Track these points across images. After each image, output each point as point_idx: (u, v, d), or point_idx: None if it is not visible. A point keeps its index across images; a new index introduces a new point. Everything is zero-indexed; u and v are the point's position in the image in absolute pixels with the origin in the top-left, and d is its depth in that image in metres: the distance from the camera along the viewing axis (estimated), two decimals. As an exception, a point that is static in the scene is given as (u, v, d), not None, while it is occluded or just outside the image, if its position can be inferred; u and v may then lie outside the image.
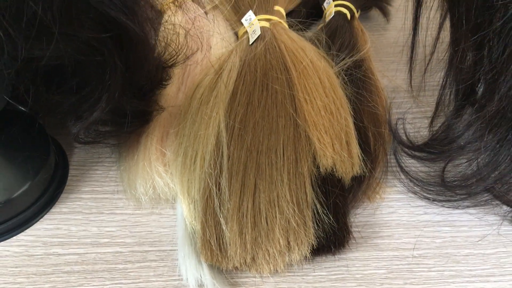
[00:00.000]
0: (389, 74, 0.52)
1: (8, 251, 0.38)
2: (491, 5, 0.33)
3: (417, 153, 0.43)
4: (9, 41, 0.28)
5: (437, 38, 0.45)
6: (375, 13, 0.59)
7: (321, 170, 0.38)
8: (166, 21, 0.51)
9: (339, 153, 0.39)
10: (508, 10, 0.32)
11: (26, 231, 0.39)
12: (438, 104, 0.45)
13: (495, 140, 0.36)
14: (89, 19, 0.31)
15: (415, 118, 0.48)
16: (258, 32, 0.47)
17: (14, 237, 0.39)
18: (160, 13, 0.54)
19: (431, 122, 0.46)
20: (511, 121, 0.34)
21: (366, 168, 0.41)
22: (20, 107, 0.42)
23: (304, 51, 0.46)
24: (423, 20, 0.46)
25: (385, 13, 0.58)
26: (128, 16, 0.33)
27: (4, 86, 0.34)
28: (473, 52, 0.38)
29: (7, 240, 0.39)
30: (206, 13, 0.55)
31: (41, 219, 0.40)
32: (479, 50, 0.37)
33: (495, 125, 0.36)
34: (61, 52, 0.30)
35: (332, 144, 0.39)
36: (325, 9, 0.55)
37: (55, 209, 0.41)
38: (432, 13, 0.45)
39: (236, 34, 0.52)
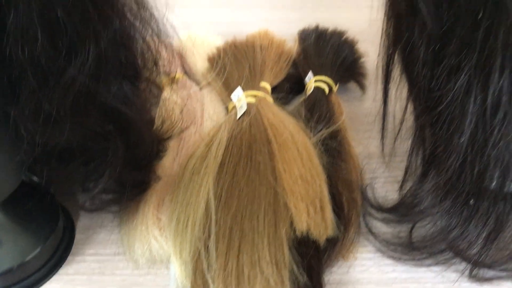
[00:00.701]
0: (364, 141, 0.58)
1: (19, 309, 0.43)
2: (434, 92, 0.39)
3: (385, 215, 0.48)
4: (28, 133, 0.34)
5: (405, 109, 0.51)
6: (352, 85, 0.65)
7: (297, 233, 0.43)
8: (164, 98, 0.58)
9: (313, 218, 0.44)
10: (448, 97, 0.38)
11: (36, 291, 0.44)
12: (407, 170, 0.50)
13: (448, 207, 0.41)
14: (95, 111, 0.37)
15: (386, 183, 0.53)
16: (244, 108, 0.54)
17: (25, 297, 0.44)
18: (160, 89, 0.60)
19: (401, 186, 0.51)
20: (457, 190, 0.40)
21: (340, 231, 0.46)
22: (34, 178, 0.48)
23: (285, 125, 0.52)
24: (392, 93, 0.51)
25: (361, 86, 0.64)
26: (128, 106, 0.39)
27: (22, 169, 0.40)
28: (429, 127, 0.44)
29: (19, 299, 0.43)
30: (200, 89, 0.62)
31: (50, 280, 0.45)
32: (432, 126, 0.43)
33: (446, 193, 0.41)
34: (71, 139, 0.37)
35: (307, 210, 0.44)
36: (306, 83, 0.61)
37: (62, 270, 0.46)
38: (400, 87, 0.51)
39: (226, 108, 0.59)
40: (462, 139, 0.37)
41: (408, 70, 0.44)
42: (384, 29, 0.47)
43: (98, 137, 0.38)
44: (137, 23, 0.41)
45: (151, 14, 0.43)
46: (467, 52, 0.35)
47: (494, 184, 0.38)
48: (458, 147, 0.38)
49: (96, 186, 0.43)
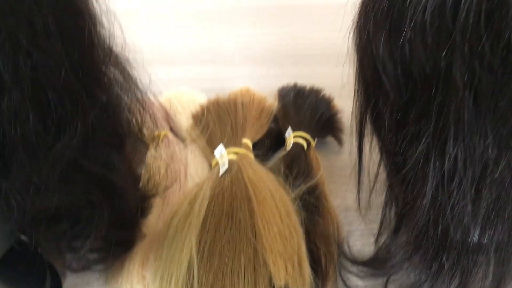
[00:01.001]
0: (341, 194, 0.60)
1: None
2: (398, 156, 0.42)
3: (360, 269, 0.50)
4: (18, 204, 0.36)
5: (379, 164, 0.54)
6: (330, 139, 0.69)
7: (276, 289, 0.45)
8: (149, 156, 0.60)
9: (291, 274, 0.46)
10: (410, 162, 0.40)
11: None
12: (381, 223, 0.53)
13: (417, 262, 0.43)
14: (82, 180, 0.40)
15: (362, 235, 0.55)
16: (226, 165, 0.56)
17: None
18: (146, 147, 0.63)
19: (376, 239, 0.53)
20: (425, 247, 0.42)
21: (317, 285, 0.48)
22: (22, 237, 0.49)
23: (265, 182, 0.54)
24: (366, 148, 0.54)
25: (339, 140, 0.67)
26: (114, 173, 0.42)
27: (12, 236, 0.42)
28: (397, 186, 0.47)
29: None
30: (185, 145, 0.65)
31: None
32: (400, 185, 0.46)
33: (415, 249, 0.43)
34: (59, 207, 0.39)
35: (285, 267, 0.46)
36: (286, 138, 0.64)
37: (48, 329, 0.47)
38: (374, 143, 0.53)
39: (210, 164, 0.61)
40: (425, 201, 0.40)
41: (377, 133, 0.47)
42: (356, 91, 0.50)
43: (85, 204, 0.40)
44: (123, 94, 0.44)
45: (136, 84, 0.46)
46: (425, 121, 0.38)
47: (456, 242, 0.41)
48: (421, 207, 0.40)
49: (83, 246, 0.45)
